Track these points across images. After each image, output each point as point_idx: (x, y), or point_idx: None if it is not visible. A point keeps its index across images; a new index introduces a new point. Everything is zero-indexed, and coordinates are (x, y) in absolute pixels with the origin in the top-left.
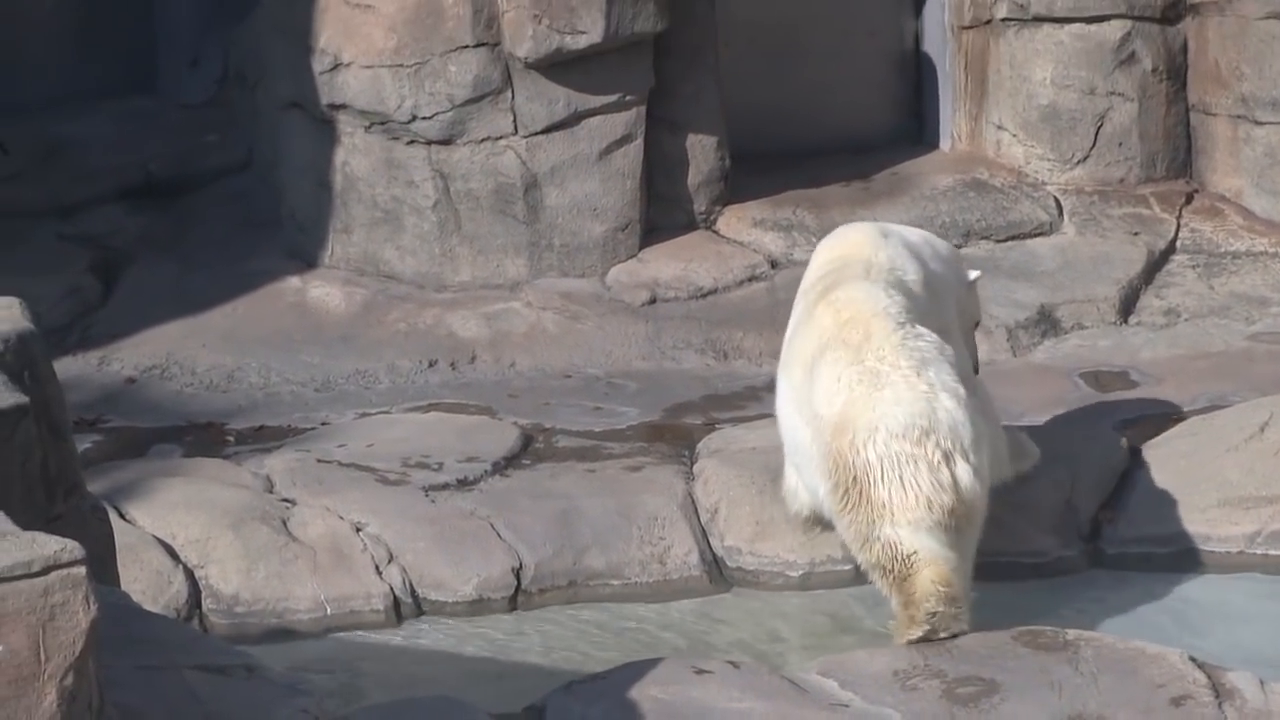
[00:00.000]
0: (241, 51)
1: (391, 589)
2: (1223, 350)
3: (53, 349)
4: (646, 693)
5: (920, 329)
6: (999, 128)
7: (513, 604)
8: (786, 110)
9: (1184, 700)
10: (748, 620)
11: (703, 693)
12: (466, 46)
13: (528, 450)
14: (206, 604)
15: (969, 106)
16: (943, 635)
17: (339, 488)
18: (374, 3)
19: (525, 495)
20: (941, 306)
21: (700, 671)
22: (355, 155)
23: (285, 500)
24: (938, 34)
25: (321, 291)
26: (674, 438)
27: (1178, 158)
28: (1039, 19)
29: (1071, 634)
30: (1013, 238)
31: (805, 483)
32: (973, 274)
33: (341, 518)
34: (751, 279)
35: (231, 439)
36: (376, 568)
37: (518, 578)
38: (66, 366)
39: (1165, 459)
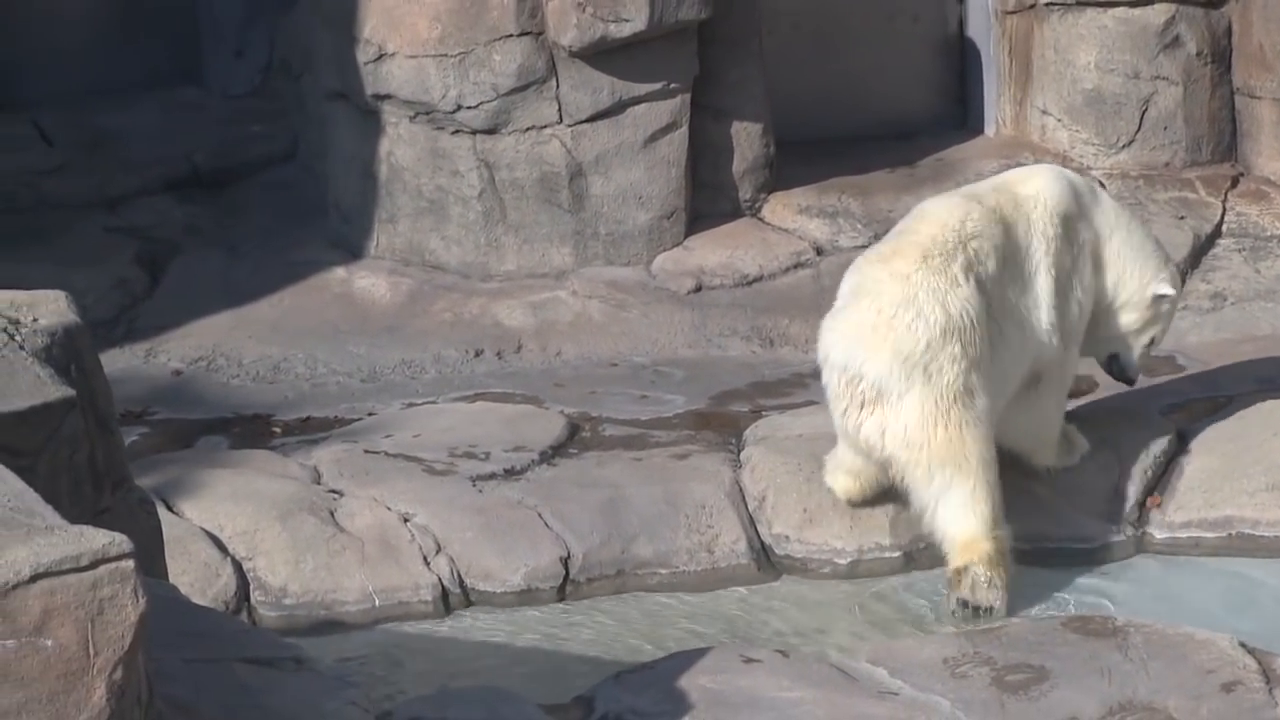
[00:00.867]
0: (286, 42)
1: (439, 579)
2: (1269, 334)
3: (99, 341)
4: (695, 682)
5: (954, 272)
6: (1044, 112)
7: (561, 593)
8: (831, 96)
9: (1234, 686)
10: (796, 608)
11: (752, 681)
12: (511, 35)
13: (574, 439)
14: (255, 596)
15: (1013, 91)
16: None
17: (386, 478)
18: None
19: (572, 484)
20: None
21: (749, 660)
22: (400, 145)
23: (332, 491)
24: (981, 19)
25: (367, 282)
26: (720, 425)
27: (1223, 141)
28: (1082, 3)
29: (1120, 620)
30: None
31: None
32: (1162, 289)
33: (389, 508)
34: (797, 266)
35: (278, 430)
36: (424, 558)
37: (565, 567)
38: (113, 359)
39: (1213, 443)
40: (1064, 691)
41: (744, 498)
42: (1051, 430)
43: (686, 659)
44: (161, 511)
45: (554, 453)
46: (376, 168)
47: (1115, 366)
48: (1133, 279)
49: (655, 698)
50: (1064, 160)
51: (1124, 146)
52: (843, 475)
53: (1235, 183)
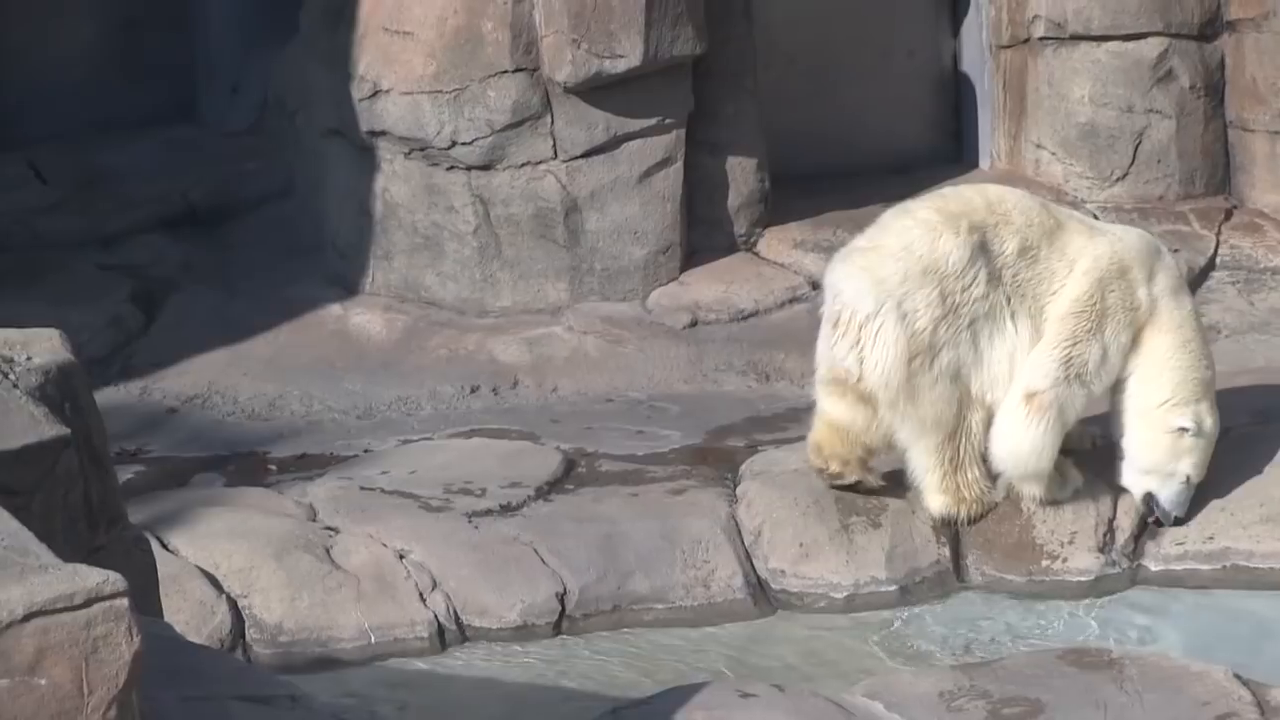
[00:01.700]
0: (281, 79)
1: (435, 616)
2: (1264, 366)
3: (94, 379)
4: (692, 717)
5: (962, 226)
6: (1038, 146)
7: (557, 629)
8: (826, 131)
9: (1229, 717)
10: (792, 643)
11: (748, 716)
12: (505, 72)
13: (570, 475)
14: (250, 634)
15: (1008, 125)
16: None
17: (382, 515)
18: (413, 29)
19: (568, 520)
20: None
21: (745, 695)
22: (395, 182)
23: (328, 528)
24: (976, 54)
25: (363, 318)
26: (717, 460)
27: (1216, 174)
28: (1076, 37)
29: (1116, 652)
30: None
31: None
32: (1182, 421)
33: (385, 545)
34: (792, 300)
35: (274, 467)
36: (420, 595)
37: (562, 603)
38: (108, 396)
39: (1209, 475)
40: None
41: (740, 532)
42: (1039, 461)
43: (683, 694)
44: (156, 549)
45: (550, 489)
46: (372, 204)
47: (1153, 504)
48: (1159, 391)
49: None
50: (1058, 194)
51: (1118, 180)
52: (820, 424)
53: (1229, 215)
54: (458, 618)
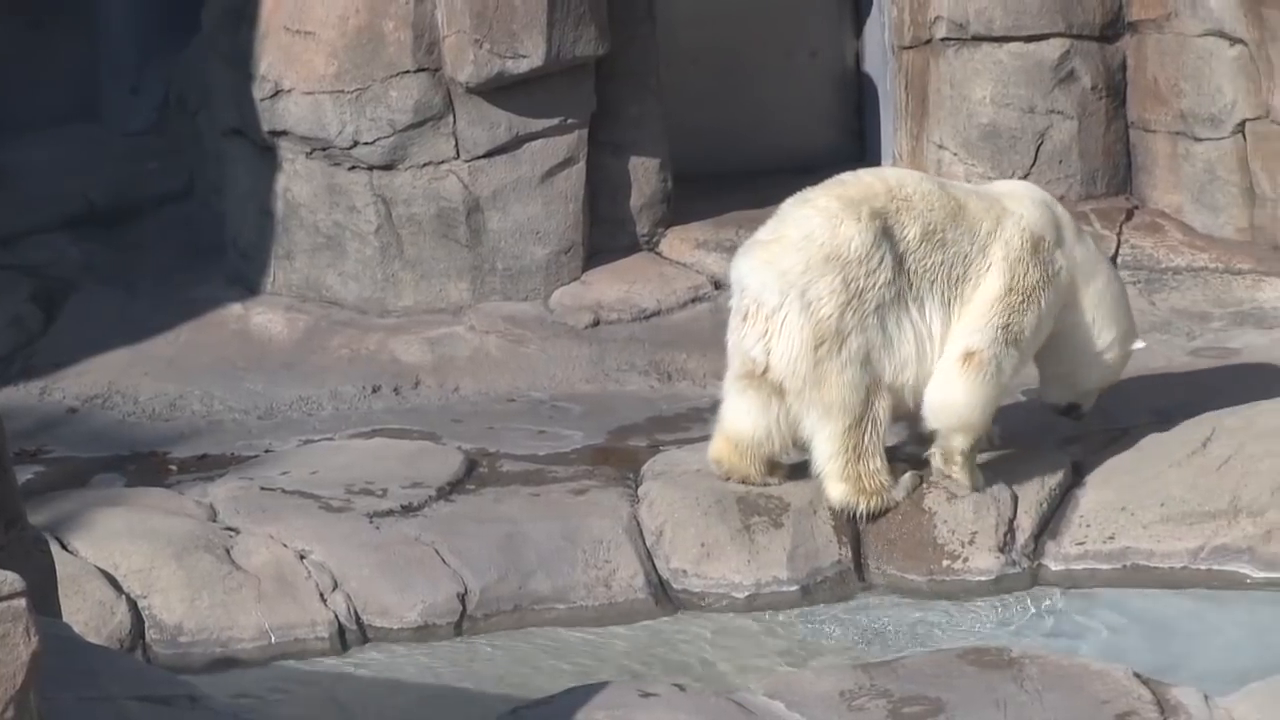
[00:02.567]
0: (183, 78)
1: (336, 616)
2: (1164, 366)
3: None
4: (592, 717)
5: (863, 212)
6: (940, 146)
7: (458, 630)
8: (729, 131)
9: (1129, 716)
10: (694, 642)
11: (649, 716)
12: (407, 72)
13: (472, 475)
14: (150, 634)
15: (910, 126)
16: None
17: (283, 515)
18: (315, 29)
19: (470, 520)
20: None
21: (646, 695)
22: (297, 181)
23: (229, 529)
24: (878, 54)
25: (264, 318)
26: (619, 460)
27: (1118, 175)
28: (978, 38)
29: (1016, 651)
30: None
31: None
32: (1140, 344)
33: (285, 545)
34: (695, 300)
35: (174, 468)
36: (321, 595)
37: (463, 603)
38: (7, 396)
39: (1109, 475)
40: None
41: (642, 532)
42: (971, 413)
43: (584, 694)
44: (56, 550)
45: (451, 489)
46: (273, 204)
47: (1074, 413)
48: (1109, 330)
49: None
50: None
51: (1019, 180)
52: (719, 438)
53: (1130, 215)
54: (359, 618)
